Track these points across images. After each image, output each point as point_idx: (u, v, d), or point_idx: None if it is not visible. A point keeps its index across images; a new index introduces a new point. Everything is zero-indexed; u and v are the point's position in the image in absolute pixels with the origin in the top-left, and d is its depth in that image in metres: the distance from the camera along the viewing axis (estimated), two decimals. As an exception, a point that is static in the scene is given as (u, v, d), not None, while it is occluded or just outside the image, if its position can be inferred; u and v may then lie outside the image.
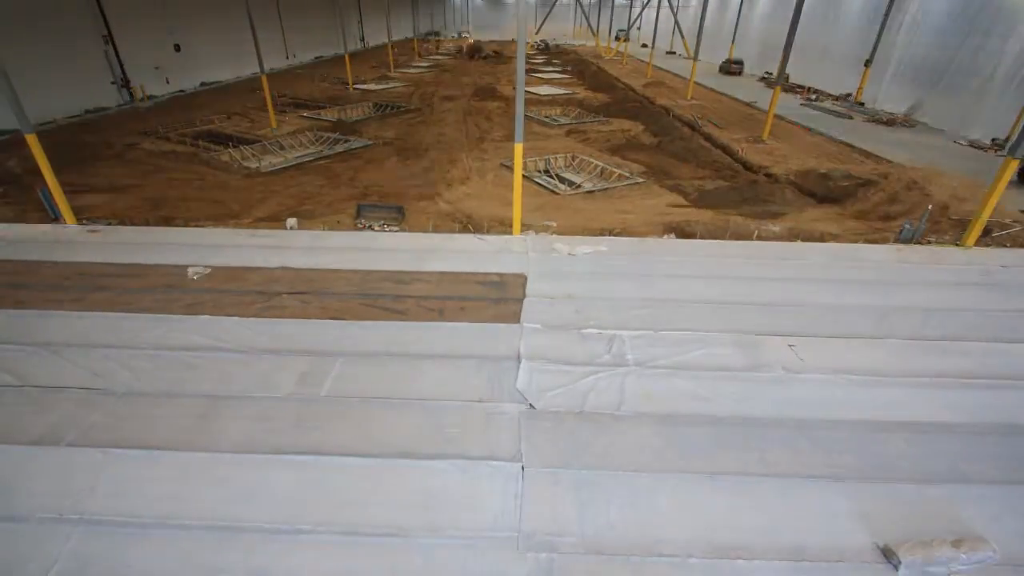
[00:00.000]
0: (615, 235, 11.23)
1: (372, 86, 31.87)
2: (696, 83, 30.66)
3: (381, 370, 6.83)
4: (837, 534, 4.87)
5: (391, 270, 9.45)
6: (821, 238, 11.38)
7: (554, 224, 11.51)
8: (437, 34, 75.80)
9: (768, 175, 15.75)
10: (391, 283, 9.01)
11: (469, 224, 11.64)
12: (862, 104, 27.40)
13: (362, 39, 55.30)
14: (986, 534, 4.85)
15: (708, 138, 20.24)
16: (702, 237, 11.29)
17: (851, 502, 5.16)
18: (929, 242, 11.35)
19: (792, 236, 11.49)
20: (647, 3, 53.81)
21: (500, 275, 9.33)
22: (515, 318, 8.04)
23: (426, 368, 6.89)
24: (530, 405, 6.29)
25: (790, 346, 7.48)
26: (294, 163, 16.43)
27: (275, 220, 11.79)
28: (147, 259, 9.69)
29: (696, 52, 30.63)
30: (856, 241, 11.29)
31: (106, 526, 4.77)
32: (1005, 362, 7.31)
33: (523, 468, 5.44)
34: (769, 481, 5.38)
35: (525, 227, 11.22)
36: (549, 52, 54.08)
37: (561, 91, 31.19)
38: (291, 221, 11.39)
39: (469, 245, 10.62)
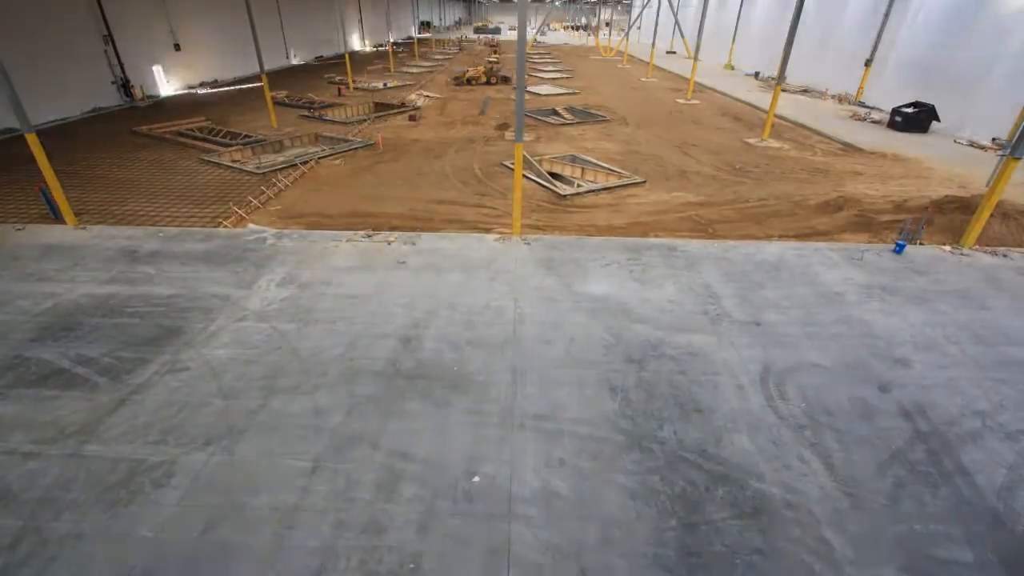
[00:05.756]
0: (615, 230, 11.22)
1: (373, 84, 31.91)
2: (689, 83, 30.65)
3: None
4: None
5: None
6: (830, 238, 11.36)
7: (552, 225, 11.49)
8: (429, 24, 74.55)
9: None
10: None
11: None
12: (862, 103, 27.40)
13: (363, 38, 55.42)
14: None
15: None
16: (714, 232, 11.27)
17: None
18: (922, 243, 11.32)
19: (793, 236, 11.46)
20: (647, 3, 53.92)
21: (497, 275, 9.34)
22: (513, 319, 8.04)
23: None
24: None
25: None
26: (294, 162, 16.43)
27: (275, 219, 11.80)
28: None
29: (696, 52, 30.62)
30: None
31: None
32: (1006, 360, 7.31)
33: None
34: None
35: (525, 227, 11.20)
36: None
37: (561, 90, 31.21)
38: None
39: (468, 244, 10.61)
